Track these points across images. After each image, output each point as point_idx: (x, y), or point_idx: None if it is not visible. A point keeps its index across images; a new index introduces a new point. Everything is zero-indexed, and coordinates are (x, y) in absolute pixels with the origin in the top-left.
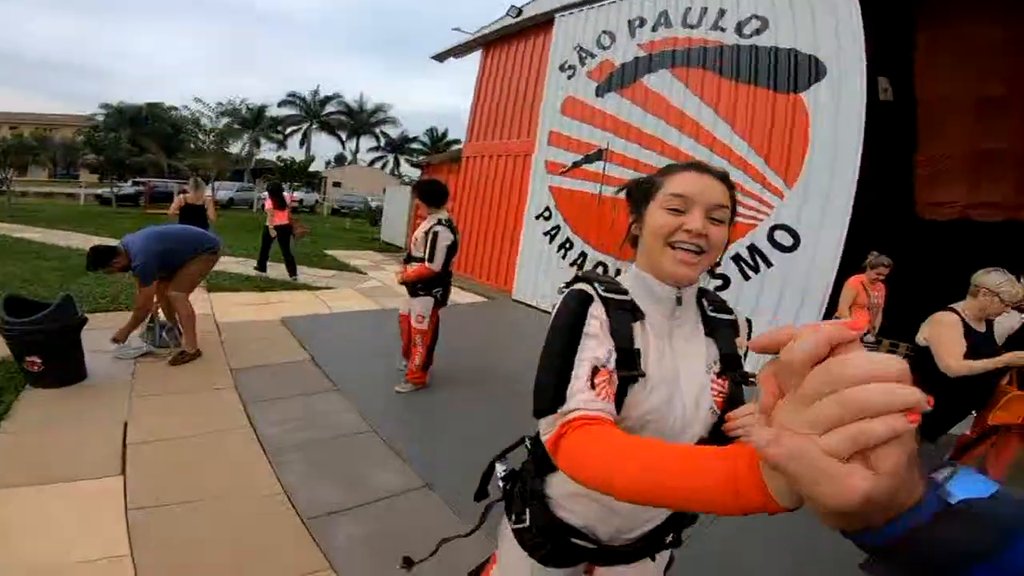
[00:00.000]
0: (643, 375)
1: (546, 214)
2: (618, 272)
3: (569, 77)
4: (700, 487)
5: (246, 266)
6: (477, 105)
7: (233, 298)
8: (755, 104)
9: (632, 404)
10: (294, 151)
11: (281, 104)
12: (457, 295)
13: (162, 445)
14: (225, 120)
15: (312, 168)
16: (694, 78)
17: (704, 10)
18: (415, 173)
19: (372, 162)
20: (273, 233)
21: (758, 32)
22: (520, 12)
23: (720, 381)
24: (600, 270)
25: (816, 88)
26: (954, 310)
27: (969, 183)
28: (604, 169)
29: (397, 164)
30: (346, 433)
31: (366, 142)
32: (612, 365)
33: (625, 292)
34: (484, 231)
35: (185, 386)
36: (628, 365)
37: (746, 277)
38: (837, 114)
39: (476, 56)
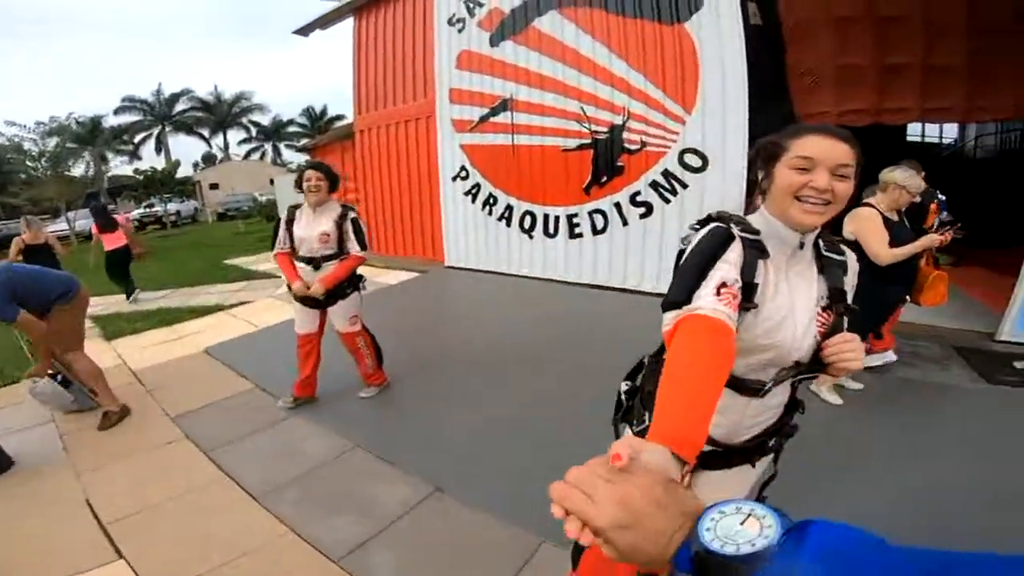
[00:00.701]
0: (756, 307)
1: (463, 174)
2: None
3: (460, 31)
4: None
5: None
6: (360, 75)
7: (139, 340)
8: (644, 37)
9: (744, 328)
10: (152, 160)
11: (118, 111)
12: (385, 276)
13: (142, 518)
14: (54, 140)
15: (180, 174)
16: (583, 17)
17: None
18: (301, 158)
19: (247, 155)
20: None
21: None
22: None
23: (825, 314)
24: (541, 217)
25: (697, 16)
26: (870, 204)
27: (836, 93)
28: (512, 119)
29: (278, 152)
30: (329, 457)
31: (235, 135)
32: (738, 288)
33: (757, 232)
34: (399, 203)
35: (130, 448)
36: (747, 297)
37: (666, 201)
38: (719, 39)
39: (346, 25)
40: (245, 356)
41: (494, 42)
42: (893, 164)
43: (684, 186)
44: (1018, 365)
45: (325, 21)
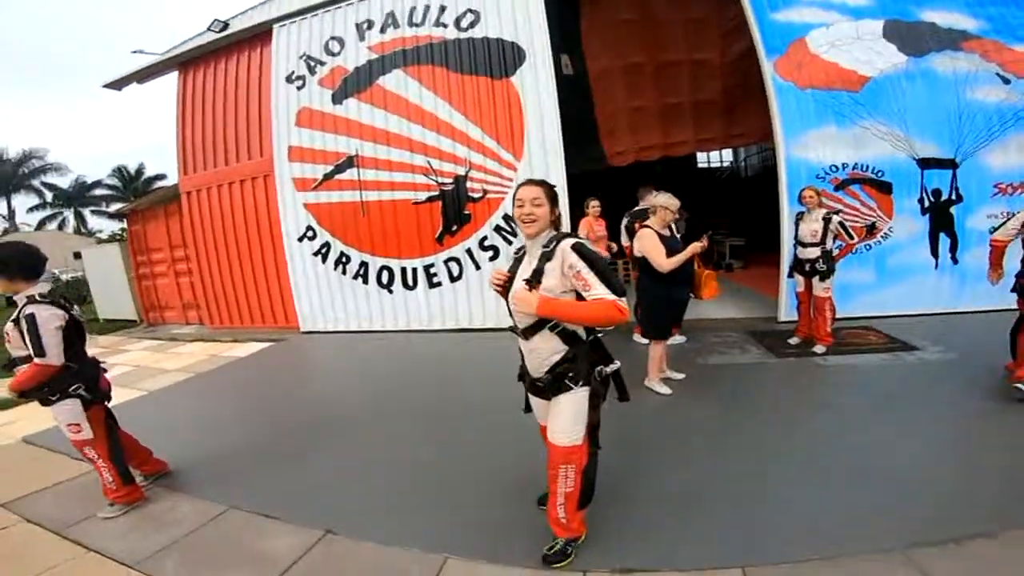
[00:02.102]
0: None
1: (309, 234)
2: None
3: (299, 88)
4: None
5: None
6: (184, 132)
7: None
8: (479, 91)
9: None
10: None
11: None
12: (234, 349)
13: None
14: None
15: None
16: (426, 74)
17: (427, 8)
18: (114, 226)
19: (41, 224)
20: None
21: (472, 25)
22: (226, 26)
23: (526, 285)
24: (399, 271)
25: (521, 71)
26: (647, 226)
27: (632, 133)
28: (360, 175)
29: (82, 220)
30: (203, 521)
31: (24, 201)
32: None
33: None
34: (239, 270)
35: None
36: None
37: (509, 243)
38: (538, 91)
39: (167, 79)
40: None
41: (337, 100)
42: (674, 189)
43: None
44: (791, 341)
45: (143, 75)
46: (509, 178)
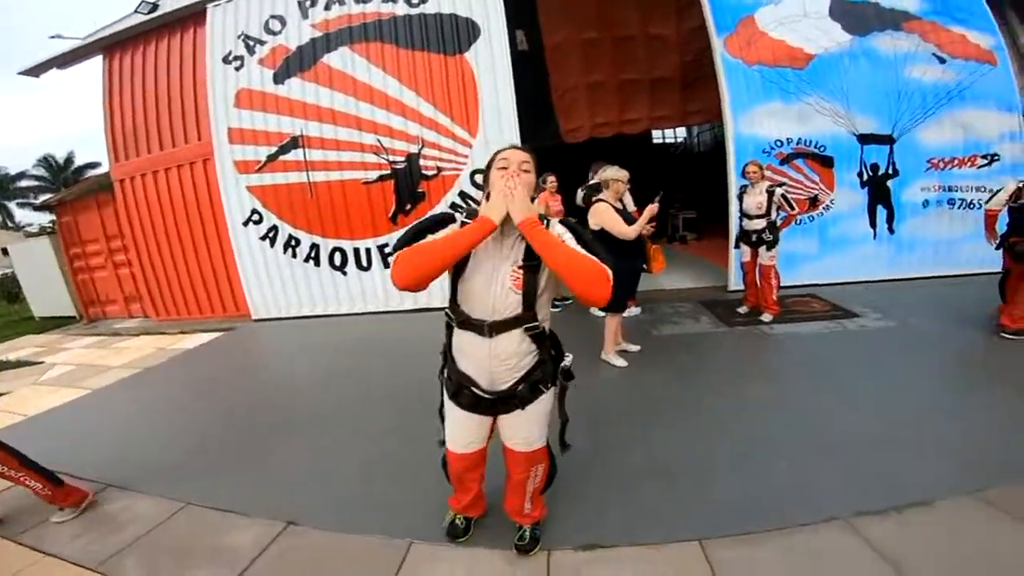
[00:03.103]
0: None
1: (255, 217)
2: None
3: (237, 68)
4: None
5: None
6: (113, 118)
7: None
8: (431, 68)
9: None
10: None
11: None
12: (181, 341)
13: None
14: None
15: None
16: (374, 51)
17: None
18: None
19: None
20: None
21: (423, 1)
22: (155, 7)
23: (519, 271)
24: (351, 251)
25: (475, 47)
26: (602, 199)
27: (588, 109)
28: (306, 156)
29: (8, 214)
30: (160, 519)
31: None
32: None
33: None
34: (182, 259)
35: None
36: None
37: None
38: (493, 67)
39: (90, 64)
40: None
41: (279, 79)
42: (628, 165)
43: (478, 204)
44: (740, 311)
45: (63, 60)
46: (464, 155)
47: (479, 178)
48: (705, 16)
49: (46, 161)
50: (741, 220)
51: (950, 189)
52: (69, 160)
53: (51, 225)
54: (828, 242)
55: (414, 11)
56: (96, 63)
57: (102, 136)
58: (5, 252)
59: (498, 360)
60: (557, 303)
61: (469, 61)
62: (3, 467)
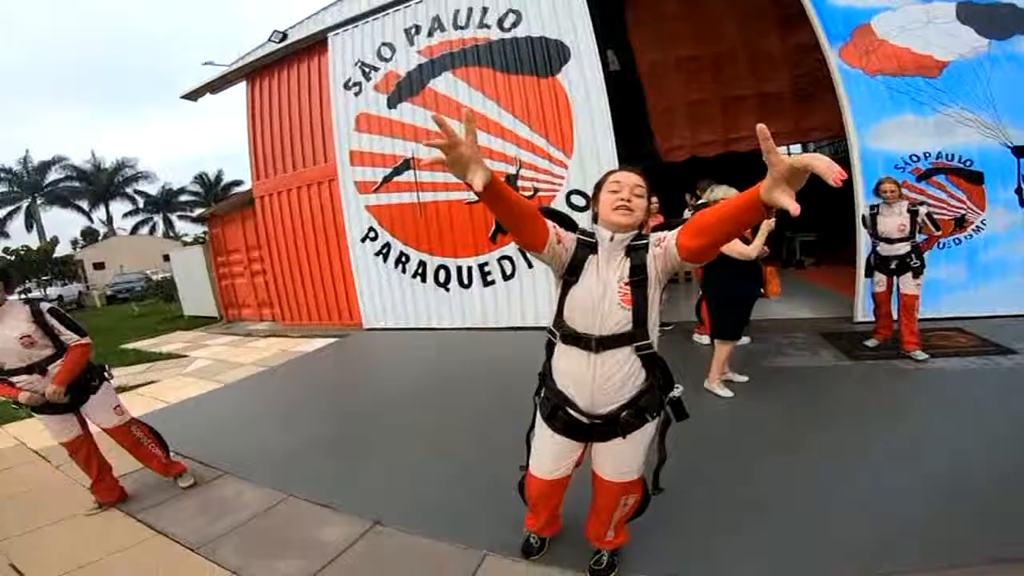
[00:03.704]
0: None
1: (371, 235)
2: None
3: (356, 94)
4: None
5: None
6: (256, 140)
7: (35, 423)
8: (526, 90)
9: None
10: (22, 237)
11: None
12: (302, 345)
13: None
14: None
15: (59, 253)
16: (473, 75)
17: (470, 10)
18: (198, 229)
19: (135, 229)
20: None
21: (515, 25)
22: (285, 36)
23: (627, 287)
24: (454, 269)
25: (567, 69)
26: None
27: (690, 127)
28: (416, 177)
29: (170, 225)
30: (263, 508)
31: (119, 207)
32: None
33: (591, 235)
34: (308, 269)
35: (52, 517)
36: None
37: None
38: (586, 88)
39: (237, 89)
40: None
41: (392, 104)
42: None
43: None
44: (868, 343)
45: (215, 86)
46: (560, 176)
47: (575, 199)
48: (814, 25)
49: (200, 178)
50: (875, 245)
51: None
52: (219, 177)
53: (203, 235)
54: (978, 268)
55: (507, 35)
56: (240, 89)
57: (243, 155)
58: (167, 258)
59: (603, 379)
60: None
61: (562, 82)
62: (140, 432)
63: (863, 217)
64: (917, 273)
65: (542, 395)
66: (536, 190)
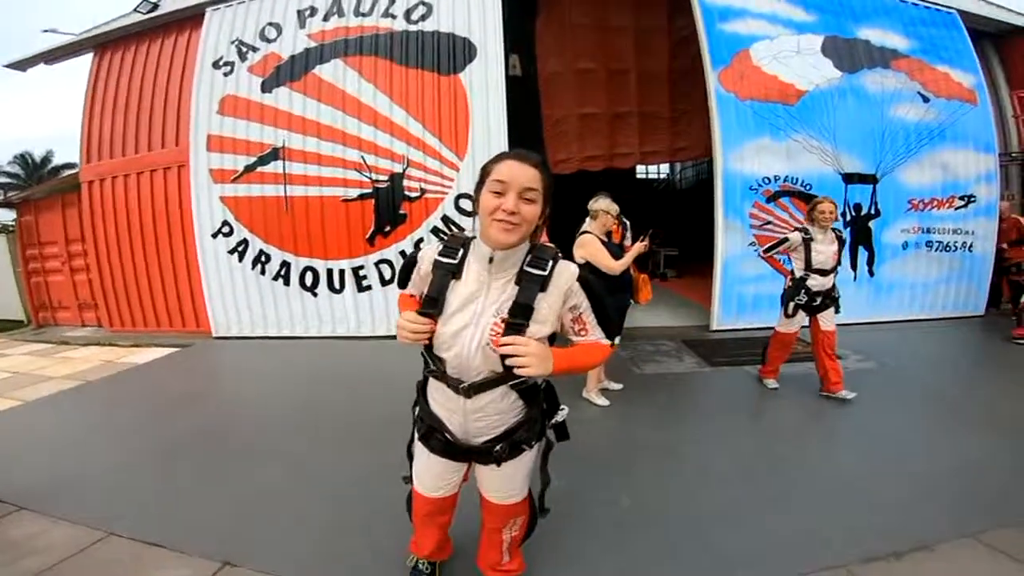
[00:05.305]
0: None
1: (225, 229)
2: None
3: (226, 74)
4: None
5: None
6: (91, 117)
7: None
8: (423, 87)
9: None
10: None
11: None
12: (133, 355)
13: None
14: None
15: None
16: (367, 66)
17: None
18: (7, 216)
19: None
20: None
21: (423, 18)
22: (155, 6)
23: (500, 324)
24: (324, 272)
25: (470, 68)
26: (588, 231)
27: (578, 141)
28: (285, 168)
29: None
30: (76, 549)
31: None
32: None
33: (455, 254)
34: (144, 268)
35: None
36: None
37: None
38: (487, 90)
39: (79, 62)
40: None
41: (267, 88)
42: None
43: (461, 230)
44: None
45: (54, 55)
46: (450, 178)
47: (464, 203)
48: (702, 48)
49: (22, 158)
50: (804, 279)
51: (928, 231)
52: (47, 159)
53: (12, 224)
54: None
55: (413, 27)
56: (86, 60)
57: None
58: None
59: (474, 414)
60: None
61: (463, 82)
62: None
63: (789, 244)
64: (838, 307)
65: (417, 412)
66: (423, 191)
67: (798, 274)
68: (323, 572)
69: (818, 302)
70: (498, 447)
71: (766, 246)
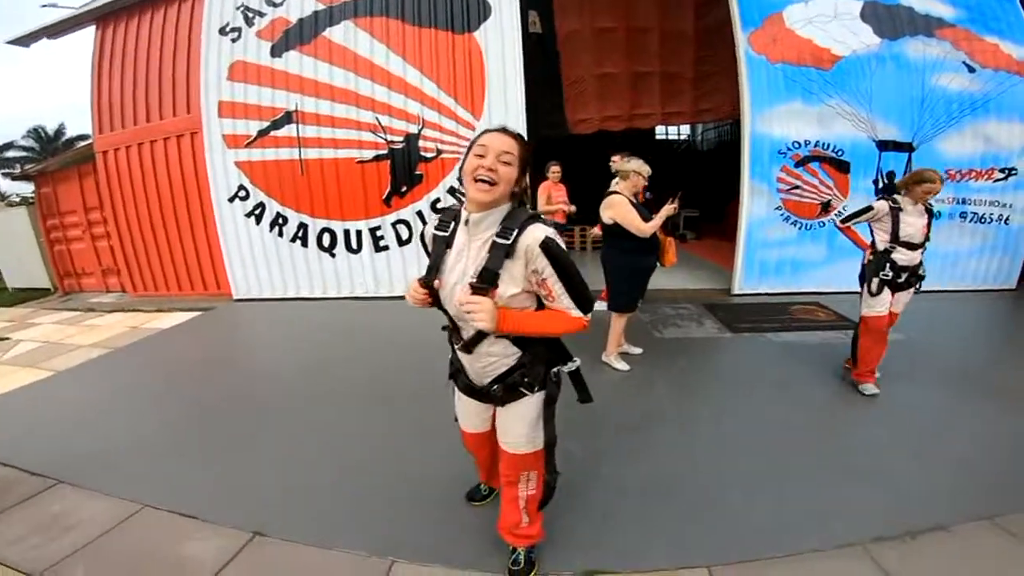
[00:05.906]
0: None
1: (241, 194)
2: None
3: (234, 40)
4: None
5: None
6: (100, 89)
7: None
8: (437, 46)
9: None
10: None
11: None
12: (157, 320)
13: None
14: None
15: None
16: (378, 26)
17: None
18: (23, 188)
19: None
20: None
21: None
22: None
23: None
24: (341, 233)
25: (485, 26)
26: (617, 191)
27: (598, 101)
28: (299, 132)
29: None
30: (113, 523)
31: None
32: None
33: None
34: (164, 233)
35: None
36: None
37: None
38: (503, 48)
39: (82, 35)
40: None
41: (276, 52)
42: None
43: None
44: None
45: (55, 30)
46: (466, 137)
47: None
48: (731, 9)
49: (36, 132)
50: (889, 251)
51: (963, 202)
52: (60, 132)
53: (33, 196)
54: (837, 249)
55: None
56: (89, 33)
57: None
58: None
59: (475, 362)
60: None
61: (478, 40)
62: None
63: (874, 213)
64: (920, 286)
65: (449, 357)
66: (440, 151)
67: (881, 247)
68: (350, 540)
69: (903, 279)
70: (495, 387)
71: (845, 215)
